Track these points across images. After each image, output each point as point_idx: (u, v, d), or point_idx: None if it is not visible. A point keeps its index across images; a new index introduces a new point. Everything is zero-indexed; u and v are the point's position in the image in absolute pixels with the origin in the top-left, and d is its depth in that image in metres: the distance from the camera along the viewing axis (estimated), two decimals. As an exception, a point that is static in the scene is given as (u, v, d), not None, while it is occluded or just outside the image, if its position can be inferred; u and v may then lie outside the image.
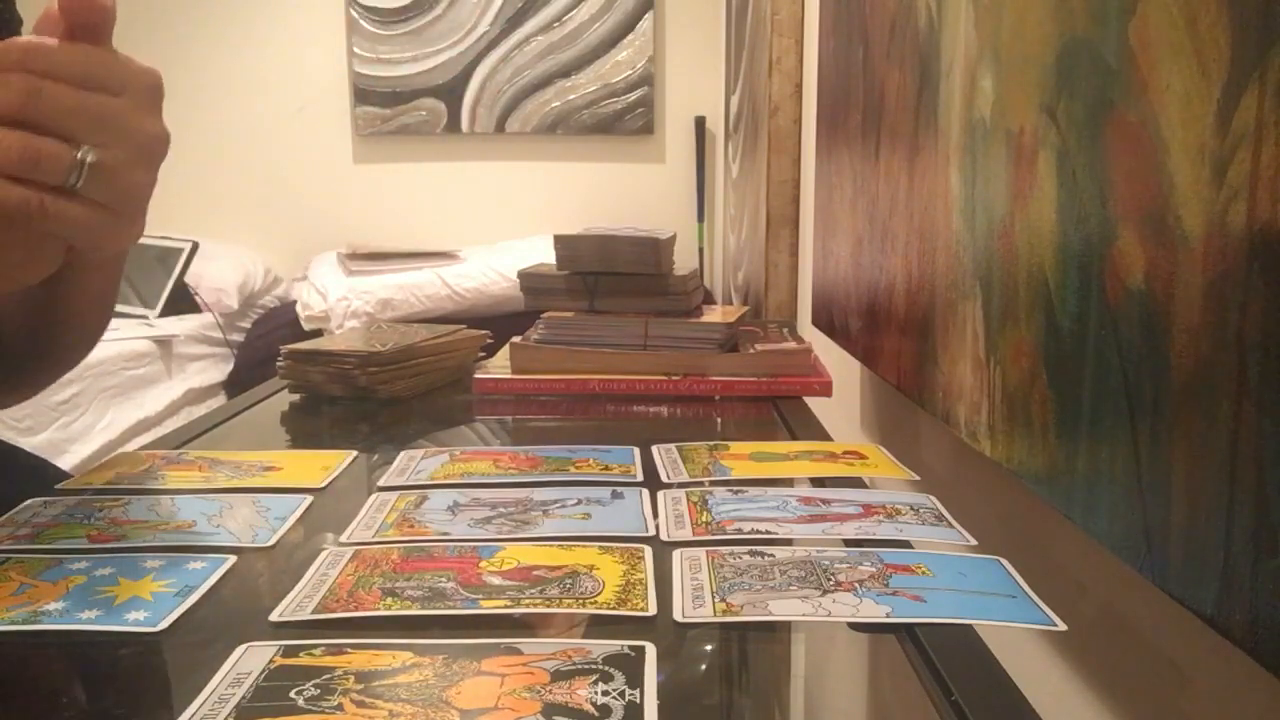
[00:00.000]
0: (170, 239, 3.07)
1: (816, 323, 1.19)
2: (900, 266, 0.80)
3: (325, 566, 0.50)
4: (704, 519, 0.57)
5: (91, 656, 0.43)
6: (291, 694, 0.37)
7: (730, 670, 0.46)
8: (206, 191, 3.53)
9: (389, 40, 3.47)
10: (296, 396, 0.96)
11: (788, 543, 0.53)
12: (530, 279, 1.04)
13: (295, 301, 3.02)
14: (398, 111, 3.50)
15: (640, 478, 0.66)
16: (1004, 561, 0.50)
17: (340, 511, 0.59)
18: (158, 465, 0.69)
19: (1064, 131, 0.49)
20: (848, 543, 0.53)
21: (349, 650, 0.40)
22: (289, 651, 0.40)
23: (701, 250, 3.45)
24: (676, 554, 0.51)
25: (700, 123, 3.46)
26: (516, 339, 1.00)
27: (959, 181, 0.65)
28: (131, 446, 0.81)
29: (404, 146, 3.55)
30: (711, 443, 0.75)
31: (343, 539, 0.55)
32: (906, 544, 0.53)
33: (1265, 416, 0.33)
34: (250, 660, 0.40)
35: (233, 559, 0.51)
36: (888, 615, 0.44)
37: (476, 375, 0.98)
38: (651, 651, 0.40)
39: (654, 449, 0.73)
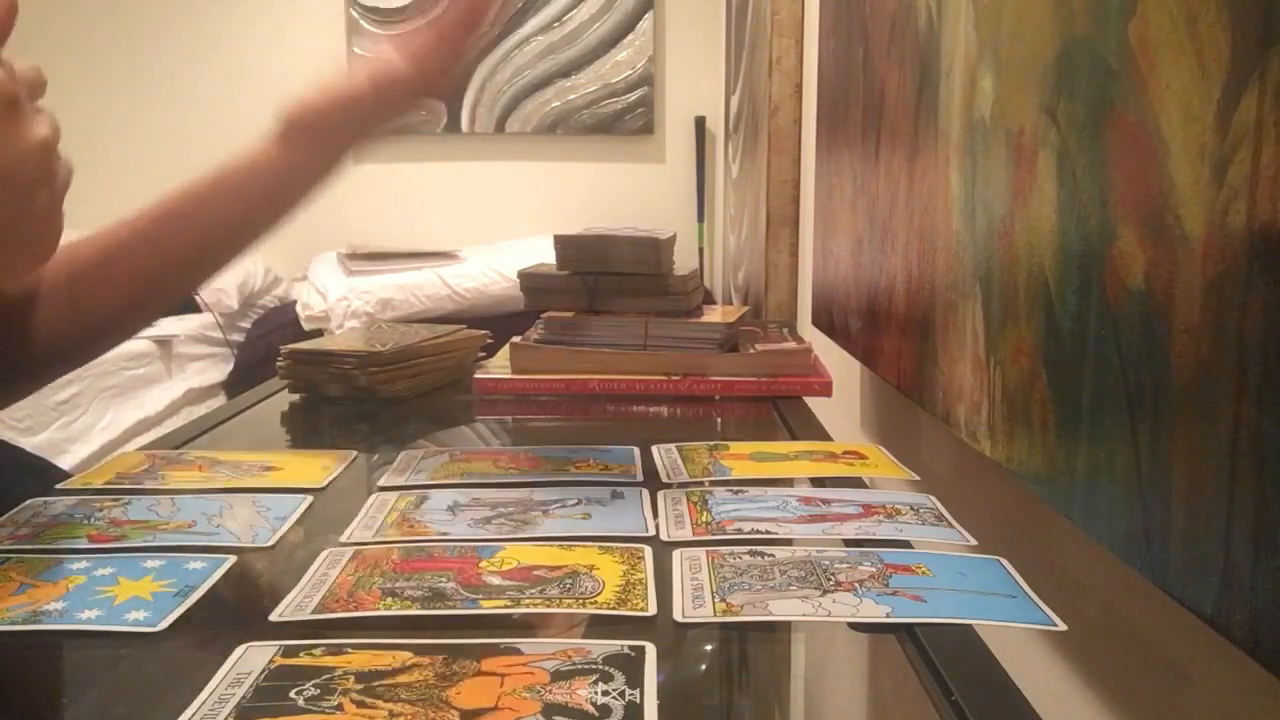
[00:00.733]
0: (170, 239, 3.07)
1: (816, 323, 1.19)
2: (900, 266, 0.80)
3: (325, 566, 0.50)
4: (704, 519, 0.57)
5: (91, 656, 0.43)
6: (291, 694, 0.37)
7: (730, 670, 0.46)
8: (206, 191, 3.53)
9: (389, 40, 3.47)
10: (296, 396, 0.96)
11: (788, 543, 0.53)
12: (530, 279, 1.04)
13: (295, 301, 3.02)
14: (398, 111, 3.50)
15: (640, 478, 0.66)
16: (1004, 561, 0.50)
17: (340, 511, 0.59)
18: (158, 465, 0.69)
19: (1064, 131, 0.49)
20: (848, 543, 0.53)
21: (349, 650, 0.40)
22: (289, 651, 0.40)
23: (701, 250, 3.46)
24: (676, 554, 0.51)
25: (700, 123, 3.46)
26: (516, 339, 1.00)
27: (959, 181, 0.65)
28: (131, 446, 0.81)
29: (404, 146, 3.55)
30: (711, 443, 0.75)
31: (343, 539, 0.55)
32: (906, 544, 0.53)
33: (1265, 416, 0.33)
34: (250, 660, 0.40)
35: (233, 559, 0.51)
36: (888, 615, 0.44)
37: (476, 375, 0.98)
38: (651, 651, 0.40)
39: (654, 449, 0.73)
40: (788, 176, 1.75)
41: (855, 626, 0.44)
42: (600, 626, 0.44)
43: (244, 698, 0.37)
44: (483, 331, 1.08)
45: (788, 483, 0.66)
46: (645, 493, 0.62)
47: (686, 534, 0.54)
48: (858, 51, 0.96)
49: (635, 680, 0.38)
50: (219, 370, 3.03)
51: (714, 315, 1.03)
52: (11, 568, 0.50)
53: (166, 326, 2.88)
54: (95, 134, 3.24)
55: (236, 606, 0.47)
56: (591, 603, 0.45)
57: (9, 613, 0.45)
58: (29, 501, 0.60)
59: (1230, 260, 0.35)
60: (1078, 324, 0.47)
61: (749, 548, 0.52)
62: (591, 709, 0.36)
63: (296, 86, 0.72)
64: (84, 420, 2.45)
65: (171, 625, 0.44)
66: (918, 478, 0.68)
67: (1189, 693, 0.49)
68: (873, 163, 0.90)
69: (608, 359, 0.97)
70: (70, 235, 0.56)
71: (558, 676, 0.38)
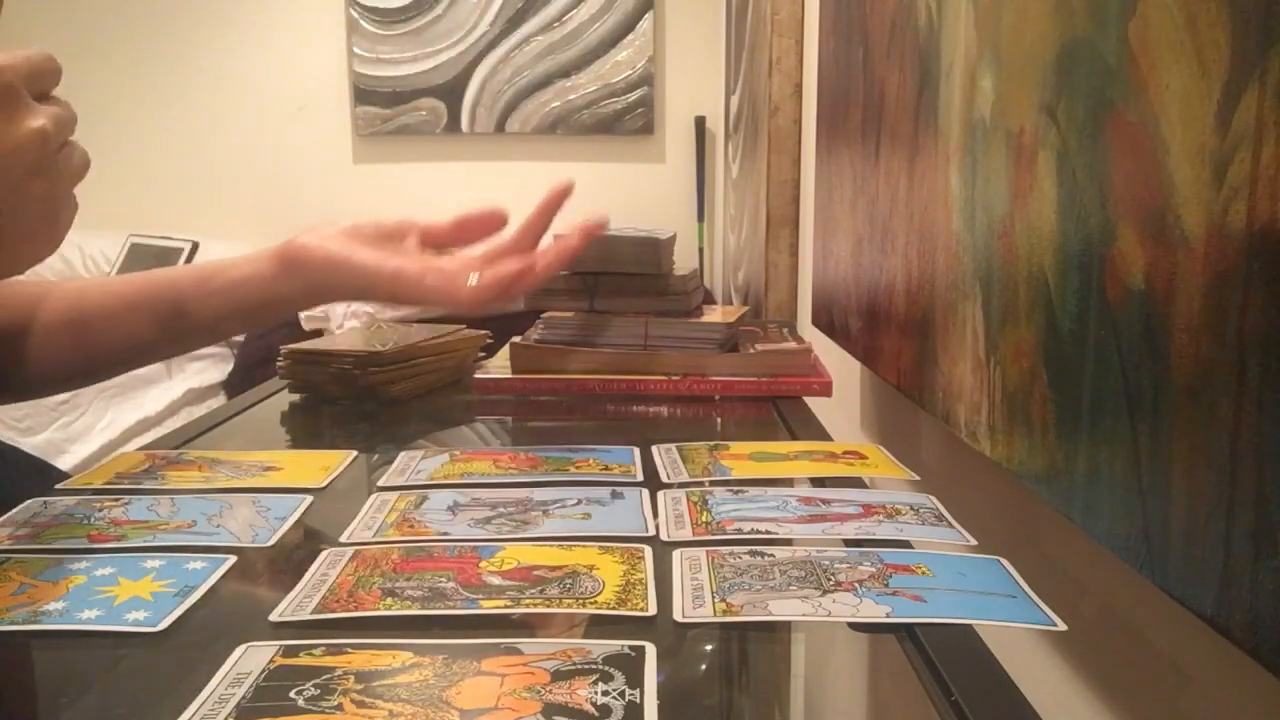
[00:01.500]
0: (170, 239, 3.07)
1: (816, 323, 1.19)
2: (900, 266, 0.80)
3: (325, 566, 0.50)
4: (704, 519, 0.57)
5: (91, 656, 0.43)
6: (291, 694, 0.37)
7: (730, 670, 0.46)
8: (206, 191, 3.53)
9: (389, 40, 3.47)
10: (296, 396, 0.96)
11: (788, 543, 0.53)
12: (530, 279, 1.04)
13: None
14: (398, 111, 3.50)
15: (640, 478, 0.66)
16: (1004, 561, 0.50)
17: (340, 511, 0.59)
18: (158, 465, 0.69)
19: (1064, 131, 0.49)
20: (848, 543, 0.53)
21: (349, 650, 0.40)
22: (289, 651, 0.40)
23: (701, 250, 3.46)
24: (676, 554, 0.51)
25: (700, 123, 3.47)
26: (516, 339, 1.00)
27: (959, 181, 0.65)
28: (131, 446, 0.81)
29: (404, 146, 3.55)
30: (711, 443, 0.75)
31: (343, 539, 0.55)
32: (906, 544, 0.53)
33: (1265, 416, 0.33)
34: (250, 660, 0.40)
35: (233, 559, 0.51)
36: (888, 615, 0.44)
37: (476, 375, 0.98)
38: (651, 651, 0.40)
39: (654, 449, 0.73)
40: (788, 176, 1.75)
41: (855, 626, 0.44)
42: (600, 626, 0.44)
43: (244, 698, 0.37)
44: (483, 331, 1.08)
45: (788, 483, 0.66)
46: (645, 493, 0.62)
47: (686, 534, 0.54)
48: (858, 51, 0.96)
49: (635, 680, 0.38)
50: (219, 370, 3.03)
51: (714, 315, 1.03)
52: (11, 568, 0.50)
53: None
54: (91, 133, 3.24)
55: (236, 606, 0.47)
56: (591, 603, 0.45)
57: (9, 613, 0.45)
58: (29, 501, 0.60)
59: (1230, 260, 0.35)
60: (1078, 324, 0.47)
61: (749, 548, 0.52)
62: (591, 709, 0.36)
63: (321, 223, 0.74)
64: (84, 420, 2.45)
65: (171, 625, 0.44)
66: (918, 478, 0.68)
67: (1189, 693, 0.49)
68: (873, 163, 0.90)
69: (608, 359, 0.97)
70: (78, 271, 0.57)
71: (558, 676, 0.38)
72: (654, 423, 0.91)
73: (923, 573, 0.48)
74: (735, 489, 0.63)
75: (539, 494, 0.62)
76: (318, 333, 2.76)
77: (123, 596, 0.46)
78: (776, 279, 1.78)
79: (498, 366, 1.00)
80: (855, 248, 0.97)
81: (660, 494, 0.62)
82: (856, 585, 0.46)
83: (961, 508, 0.59)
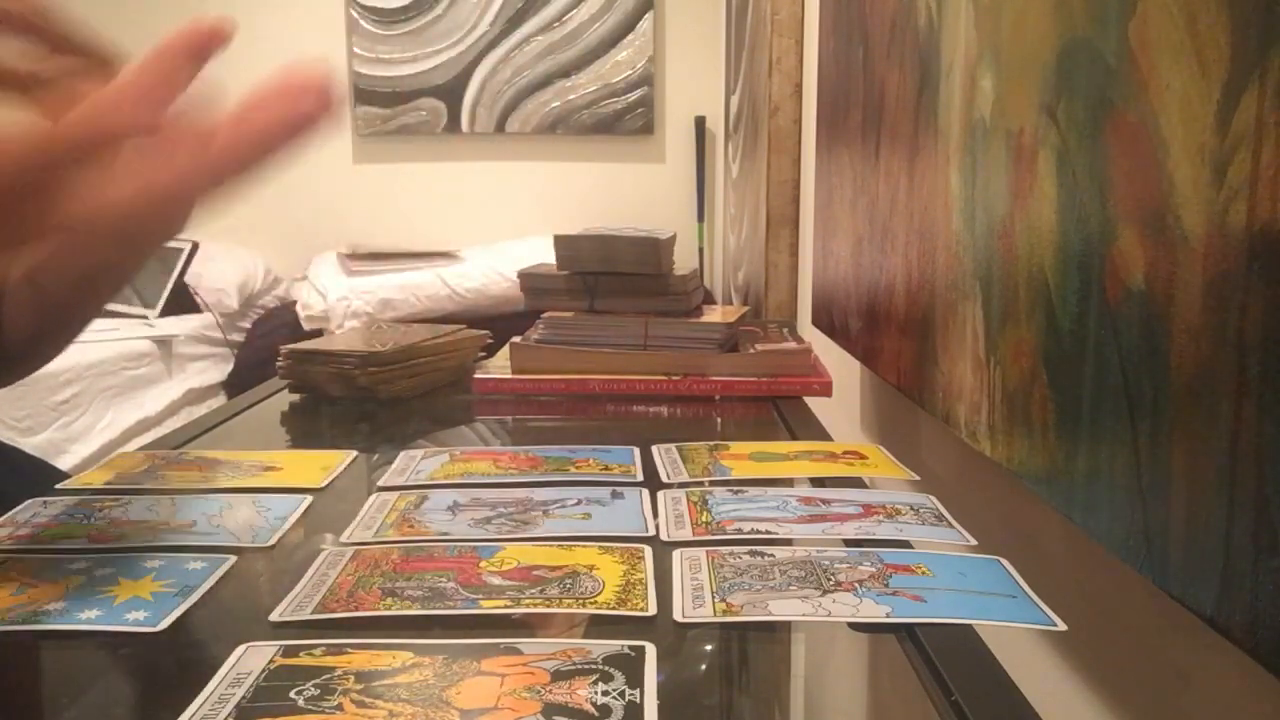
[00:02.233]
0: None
1: (816, 323, 1.19)
2: (900, 266, 0.80)
3: (325, 566, 0.50)
4: (704, 519, 0.57)
5: (91, 656, 0.43)
6: (291, 694, 0.37)
7: (730, 670, 0.46)
8: (206, 191, 3.53)
9: (389, 40, 3.47)
10: (296, 396, 0.96)
11: (788, 543, 0.53)
12: (530, 279, 1.04)
13: (295, 301, 3.02)
14: (398, 111, 3.50)
15: (640, 478, 0.66)
16: (1004, 561, 0.50)
17: (340, 511, 0.59)
18: (158, 465, 0.69)
19: (1064, 131, 0.49)
20: (848, 543, 0.53)
21: (349, 650, 0.40)
22: (289, 651, 0.40)
23: (701, 250, 3.46)
24: (676, 554, 0.51)
25: (700, 123, 3.47)
26: (516, 339, 1.00)
27: (959, 181, 0.65)
28: (131, 446, 0.81)
29: (404, 146, 3.55)
30: (711, 443, 0.75)
31: (343, 539, 0.55)
32: (906, 544, 0.53)
33: (1265, 416, 0.33)
34: (250, 660, 0.40)
35: (233, 559, 0.51)
36: (888, 615, 0.44)
37: (476, 375, 0.98)
38: (651, 651, 0.40)
39: (654, 449, 0.73)
40: (788, 176, 1.75)
41: (855, 626, 0.44)
42: (600, 626, 0.44)
43: (244, 698, 0.37)
44: (483, 331, 1.08)
45: (788, 483, 0.66)
46: (645, 493, 0.62)
47: (686, 534, 0.54)
48: (858, 51, 0.96)
49: (635, 680, 0.38)
50: (219, 370, 3.03)
51: (714, 315, 1.03)
52: (11, 568, 0.50)
53: (166, 326, 2.89)
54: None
55: (236, 606, 0.47)
56: (591, 603, 0.45)
57: (9, 613, 0.45)
58: (29, 501, 0.60)
59: (1230, 260, 0.35)
60: (1078, 324, 0.47)
61: (749, 548, 0.52)
62: (591, 709, 0.36)
63: None
64: (84, 420, 2.45)
65: (171, 625, 0.44)
66: (918, 478, 0.68)
67: (1189, 693, 0.49)
68: (873, 163, 0.90)
69: (608, 359, 0.97)
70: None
71: (558, 676, 0.38)
72: (654, 423, 0.91)
73: (923, 573, 0.48)
74: (735, 489, 0.63)
75: (539, 494, 0.62)
76: (318, 333, 2.76)
77: (123, 596, 0.46)
78: (776, 279, 1.78)
79: (498, 366, 1.01)
80: (855, 248, 0.97)
81: (660, 494, 0.62)
82: (856, 585, 0.46)
83: (961, 508, 0.59)
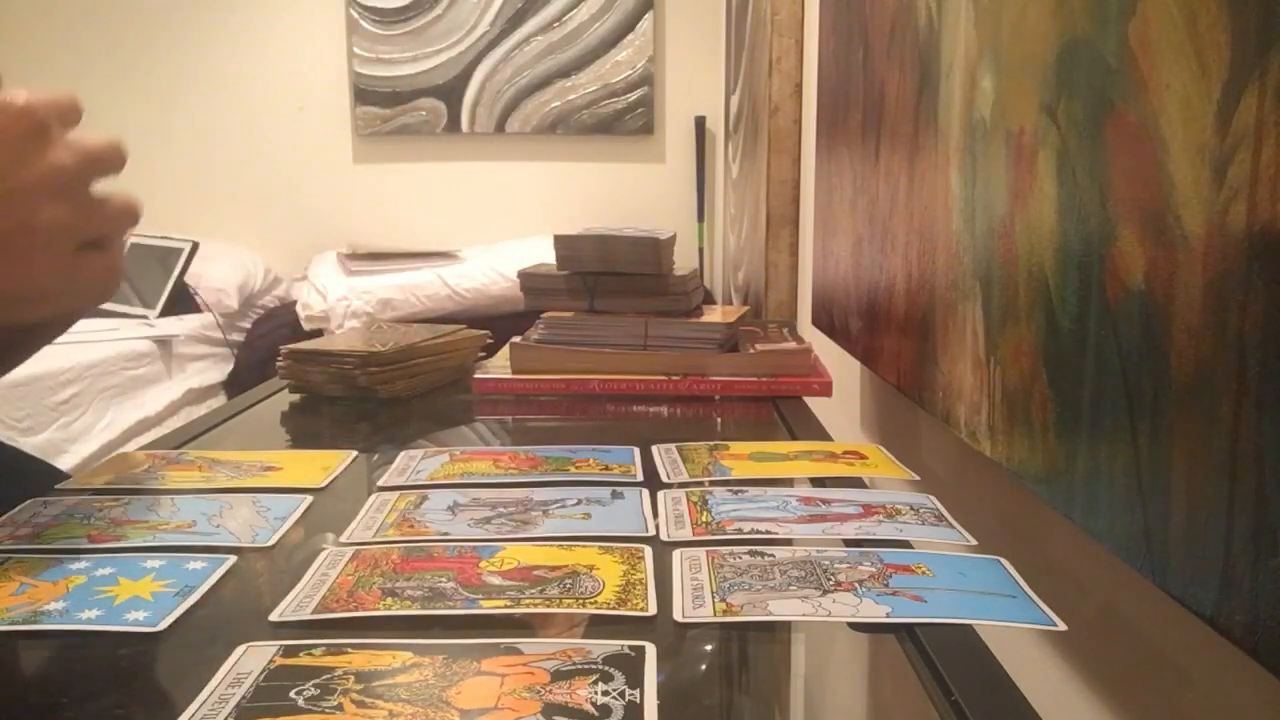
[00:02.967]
0: (170, 239, 3.07)
1: (816, 323, 1.19)
2: (900, 266, 0.80)
3: (325, 566, 0.50)
4: (704, 519, 0.57)
5: (91, 656, 0.43)
6: (291, 694, 0.37)
7: (730, 670, 0.45)
8: (206, 191, 3.53)
9: (389, 40, 3.47)
10: (296, 396, 0.96)
11: (788, 543, 0.53)
12: (530, 279, 1.04)
13: (295, 301, 3.02)
14: (398, 111, 3.50)
15: (640, 478, 0.66)
16: (1004, 561, 0.50)
17: (340, 511, 0.59)
18: (158, 465, 0.69)
19: (1064, 131, 0.49)
20: (848, 543, 0.53)
21: (349, 650, 0.40)
22: (289, 651, 0.40)
23: (701, 250, 3.45)
24: (676, 554, 0.51)
25: (700, 123, 3.46)
26: (516, 339, 1.00)
27: (959, 181, 0.65)
28: (131, 446, 0.81)
29: (404, 146, 3.55)
30: (711, 443, 0.75)
31: (343, 539, 0.55)
32: (906, 544, 0.53)
33: (1265, 416, 0.33)
34: (250, 660, 0.40)
35: (233, 559, 0.51)
36: (888, 615, 0.44)
37: (476, 375, 0.98)
38: (651, 651, 0.40)
39: (654, 449, 0.73)
40: (788, 176, 1.75)
41: (855, 626, 0.44)
42: (600, 626, 0.44)
43: (244, 698, 0.37)
44: (483, 331, 1.08)
45: (788, 483, 0.66)
46: (645, 493, 0.62)
47: (686, 534, 0.54)
48: (858, 51, 0.96)
49: (635, 680, 0.38)
50: (219, 370, 3.03)
51: (714, 315, 1.03)
52: (11, 568, 0.50)
53: (166, 327, 2.89)
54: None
55: (236, 606, 0.47)
56: (591, 603, 0.45)
57: (9, 613, 0.45)
58: (29, 501, 0.60)
59: (1230, 260, 0.35)
60: (1078, 324, 0.47)
61: (749, 548, 0.52)
62: (591, 709, 0.36)
63: None
64: (84, 420, 2.45)
65: (171, 625, 0.44)
66: (918, 478, 0.68)
67: (1189, 693, 0.49)
68: (873, 163, 0.90)
69: (608, 359, 0.97)
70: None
71: (558, 676, 0.38)
72: (654, 423, 0.91)
73: (923, 573, 0.48)
74: (735, 489, 0.63)
75: (539, 494, 0.62)
76: (318, 333, 2.76)
77: (123, 596, 0.46)
78: (776, 279, 1.78)
79: (498, 366, 1.00)
80: (855, 248, 0.97)
81: (660, 494, 0.62)
82: (856, 585, 0.46)
83: (961, 508, 0.59)
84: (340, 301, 2.85)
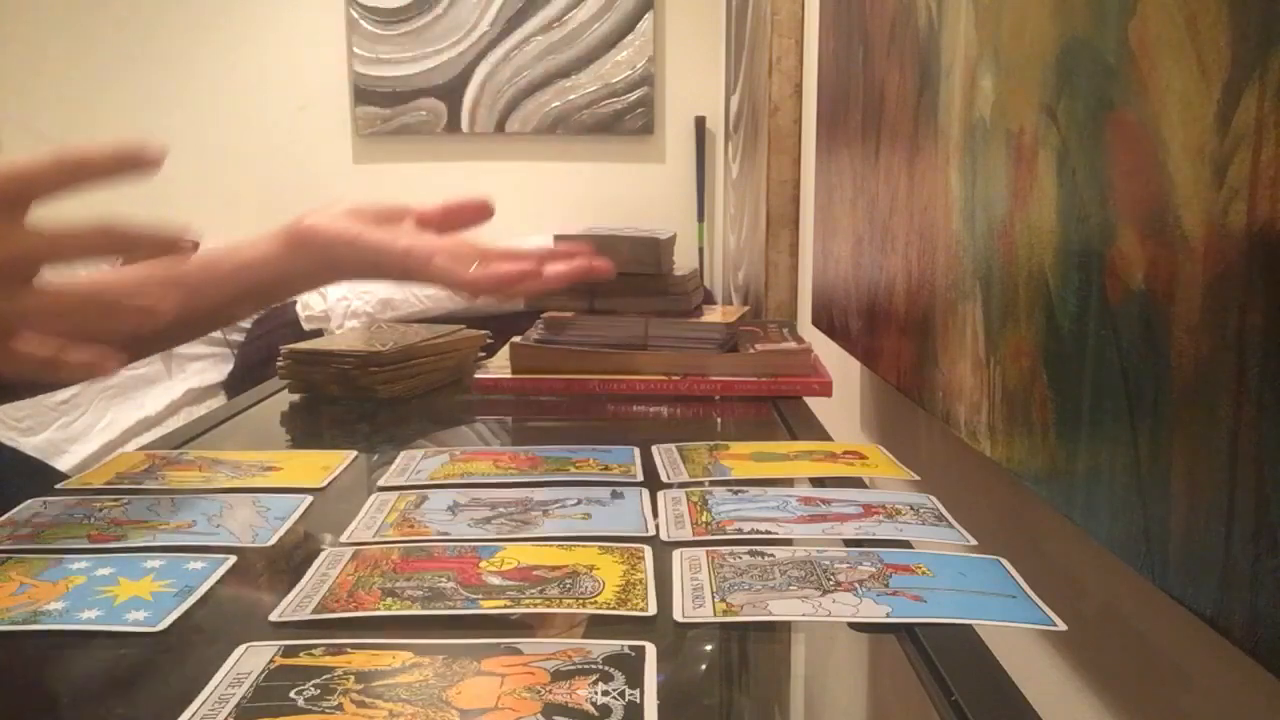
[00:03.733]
0: (170, 239, 3.07)
1: (816, 323, 1.19)
2: (900, 266, 0.80)
3: (325, 566, 0.50)
4: (704, 519, 0.57)
5: (91, 656, 0.43)
6: (291, 694, 0.37)
7: (730, 670, 0.46)
8: (207, 191, 3.53)
9: (389, 40, 3.47)
10: (296, 396, 0.96)
11: (788, 543, 0.53)
12: (530, 279, 1.04)
13: (295, 301, 3.02)
14: (398, 111, 3.50)
15: (640, 478, 0.66)
16: (1004, 561, 0.50)
17: (340, 511, 0.59)
18: (158, 465, 0.69)
19: (1064, 131, 0.49)
20: (848, 543, 0.53)
21: (349, 650, 0.40)
22: (289, 651, 0.40)
23: (701, 250, 3.45)
24: (676, 554, 0.51)
25: (700, 123, 3.46)
26: (516, 339, 1.00)
27: (959, 181, 0.65)
28: (131, 446, 0.81)
29: (404, 146, 3.55)
30: (711, 443, 0.75)
31: (343, 539, 0.55)
32: (906, 544, 0.53)
33: (1265, 416, 0.33)
34: (250, 660, 0.40)
35: (233, 559, 0.51)
36: (888, 615, 0.44)
37: (476, 375, 0.98)
38: (651, 651, 0.40)
39: (654, 449, 0.73)
40: (788, 176, 1.75)
41: (855, 626, 0.44)
42: (600, 626, 0.44)
43: (244, 698, 0.37)
44: (483, 331, 1.08)
45: (788, 483, 0.66)
46: (645, 493, 0.62)
47: (686, 534, 0.54)
48: (858, 51, 0.96)
49: (635, 680, 0.38)
50: (219, 370, 3.03)
51: (714, 315, 1.03)
52: (11, 568, 0.50)
53: (166, 326, 2.88)
54: (91, 133, 3.24)
55: (236, 606, 0.47)
56: (591, 603, 0.45)
57: (9, 613, 0.45)
58: (29, 501, 0.60)
59: (1230, 260, 0.35)
60: (1078, 324, 0.47)
61: (749, 548, 0.52)
62: (591, 709, 0.36)
63: (321, 203, 0.73)
64: (84, 420, 2.45)
65: (171, 625, 0.44)
66: (918, 478, 0.68)
67: (1189, 693, 0.49)
68: (872, 163, 0.90)
69: (608, 359, 0.97)
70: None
71: (558, 676, 0.38)
72: (654, 423, 0.91)
73: (923, 573, 0.48)
74: (735, 489, 0.63)
75: (539, 494, 0.62)
76: (318, 333, 2.76)
77: (123, 596, 0.46)
78: (776, 279, 1.78)
79: (498, 366, 1.00)
80: (855, 248, 0.97)
81: (660, 494, 0.62)
82: (856, 585, 0.46)
83: (961, 508, 0.59)
84: (340, 301, 2.85)
